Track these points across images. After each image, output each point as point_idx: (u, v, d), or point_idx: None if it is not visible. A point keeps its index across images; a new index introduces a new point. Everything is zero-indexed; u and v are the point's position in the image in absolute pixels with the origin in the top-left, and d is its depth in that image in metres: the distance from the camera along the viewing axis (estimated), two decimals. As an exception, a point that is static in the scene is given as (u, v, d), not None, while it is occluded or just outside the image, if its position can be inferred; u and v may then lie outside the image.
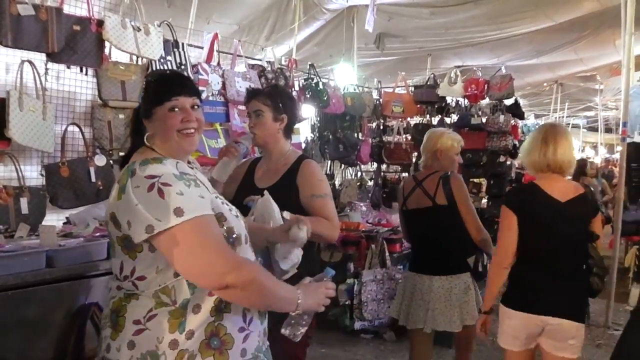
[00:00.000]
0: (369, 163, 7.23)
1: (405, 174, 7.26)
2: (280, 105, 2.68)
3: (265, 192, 2.22)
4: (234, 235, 1.71)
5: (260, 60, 5.10)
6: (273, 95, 2.69)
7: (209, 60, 4.37)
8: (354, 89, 6.50)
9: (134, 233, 1.57)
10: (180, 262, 1.56)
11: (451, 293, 3.34)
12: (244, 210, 2.22)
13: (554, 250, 2.80)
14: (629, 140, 5.92)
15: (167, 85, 1.78)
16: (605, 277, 2.87)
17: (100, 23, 3.44)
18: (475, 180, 7.17)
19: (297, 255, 2.17)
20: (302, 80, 5.56)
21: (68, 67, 3.46)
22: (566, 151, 2.84)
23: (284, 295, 1.69)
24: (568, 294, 2.79)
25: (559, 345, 2.79)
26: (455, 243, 3.38)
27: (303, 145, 5.64)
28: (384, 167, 7.42)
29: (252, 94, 2.74)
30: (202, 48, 4.51)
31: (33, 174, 3.35)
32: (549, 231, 2.81)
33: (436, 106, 6.95)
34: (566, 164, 2.85)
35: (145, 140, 1.75)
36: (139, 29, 3.63)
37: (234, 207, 1.82)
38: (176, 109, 1.74)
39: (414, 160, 7.00)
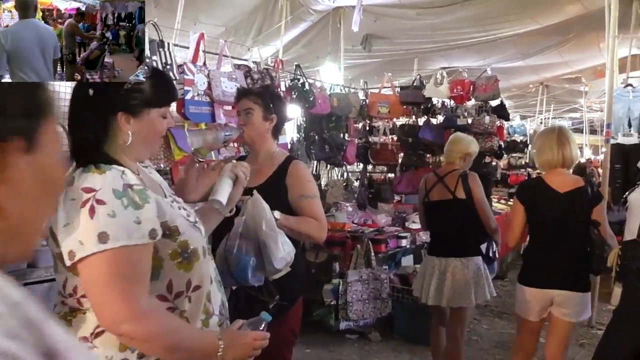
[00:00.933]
0: (355, 163, 7.24)
1: (391, 175, 7.28)
2: (271, 105, 2.69)
3: (255, 192, 2.21)
4: (189, 250, 1.55)
5: (246, 60, 5.08)
6: (264, 95, 2.71)
7: (194, 60, 4.35)
8: (340, 90, 6.50)
9: (64, 256, 1.42)
10: (88, 293, 1.43)
11: (464, 273, 3.77)
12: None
13: (554, 234, 3.27)
14: (612, 141, 5.98)
15: (169, 88, 1.69)
16: (606, 257, 3.18)
17: (84, 22, 3.42)
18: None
19: (289, 253, 2.18)
20: (289, 81, 5.56)
21: (52, 66, 3.43)
22: (575, 149, 3.37)
23: (199, 350, 1.52)
24: (570, 269, 3.24)
25: (566, 311, 3.26)
26: (470, 231, 3.86)
27: (289, 146, 5.64)
28: (370, 167, 7.45)
29: (243, 93, 2.76)
30: (188, 48, 4.49)
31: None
32: (548, 217, 3.30)
33: (422, 107, 6.93)
34: (575, 160, 3.38)
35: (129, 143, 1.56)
36: (124, 28, 3.61)
37: (192, 213, 1.70)
38: (167, 115, 1.65)
39: (400, 160, 7.03)
